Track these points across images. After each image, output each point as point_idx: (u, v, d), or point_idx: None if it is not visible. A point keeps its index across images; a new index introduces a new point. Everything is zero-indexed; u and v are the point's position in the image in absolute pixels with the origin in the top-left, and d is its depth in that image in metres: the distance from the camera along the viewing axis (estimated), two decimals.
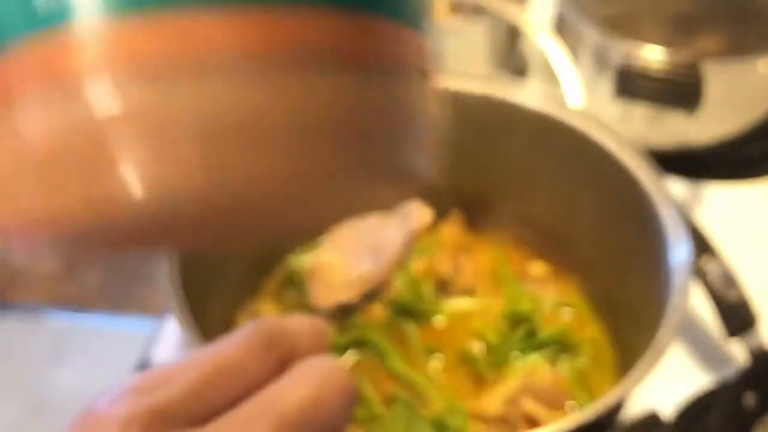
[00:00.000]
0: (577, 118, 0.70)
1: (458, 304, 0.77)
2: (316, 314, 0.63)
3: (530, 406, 0.65)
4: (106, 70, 0.20)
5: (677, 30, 1.01)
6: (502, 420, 0.66)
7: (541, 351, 0.72)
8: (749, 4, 1.04)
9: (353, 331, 0.72)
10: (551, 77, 1.11)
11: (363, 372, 0.70)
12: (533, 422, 0.65)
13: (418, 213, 0.61)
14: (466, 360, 0.72)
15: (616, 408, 0.58)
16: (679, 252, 0.61)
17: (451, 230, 0.81)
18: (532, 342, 0.72)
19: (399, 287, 0.78)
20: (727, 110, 1.01)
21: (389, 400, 0.68)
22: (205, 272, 0.67)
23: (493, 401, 0.66)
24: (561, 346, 0.72)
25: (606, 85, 0.98)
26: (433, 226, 0.83)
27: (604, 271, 0.74)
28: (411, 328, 0.74)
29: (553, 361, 0.72)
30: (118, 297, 2.42)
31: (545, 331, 0.72)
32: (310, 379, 0.27)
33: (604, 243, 0.74)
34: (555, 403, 0.67)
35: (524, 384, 0.67)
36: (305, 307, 0.76)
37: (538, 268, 0.80)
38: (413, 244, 0.62)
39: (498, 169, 0.79)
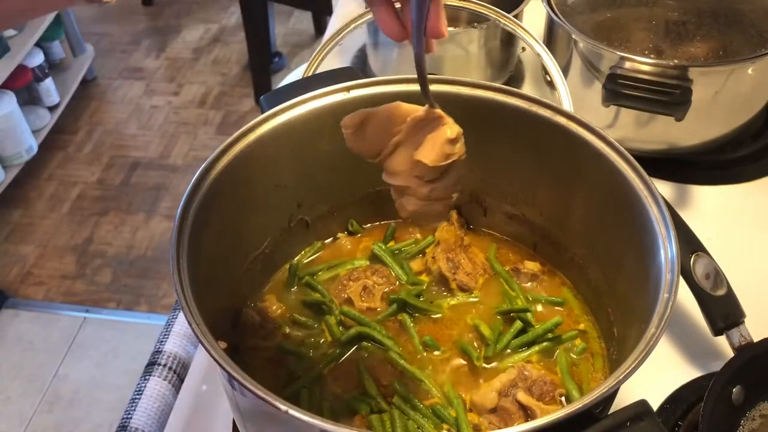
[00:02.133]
0: (570, 122, 0.71)
1: (456, 300, 0.79)
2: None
3: (524, 398, 0.67)
4: None
5: (666, 37, 1.03)
6: (498, 412, 0.67)
7: (534, 345, 0.74)
8: (736, 12, 1.06)
9: (355, 327, 0.74)
10: (545, 82, 1.13)
11: (364, 366, 0.71)
12: (528, 413, 0.67)
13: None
14: (463, 354, 0.74)
15: (608, 399, 0.59)
16: (668, 251, 0.62)
17: (449, 230, 0.83)
18: (526, 337, 0.74)
19: (400, 285, 0.80)
20: (715, 115, 1.03)
21: (389, 394, 0.69)
22: (214, 272, 0.68)
23: (488, 394, 0.68)
24: (554, 340, 0.74)
25: (596, 91, 1.00)
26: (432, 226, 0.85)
27: (596, 268, 0.76)
28: (411, 324, 0.76)
29: (546, 355, 0.74)
30: (128, 295, 2.43)
31: (539, 327, 0.74)
32: None
33: (595, 242, 0.75)
34: (548, 396, 0.68)
35: (518, 377, 0.68)
36: (306, 304, 0.78)
37: (532, 265, 0.81)
38: None
39: (494, 171, 0.81)
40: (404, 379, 0.70)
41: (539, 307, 0.78)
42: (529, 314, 0.75)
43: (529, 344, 0.74)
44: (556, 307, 0.78)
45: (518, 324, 0.75)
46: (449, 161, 0.60)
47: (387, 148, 0.62)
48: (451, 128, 0.60)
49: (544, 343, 0.74)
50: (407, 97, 0.76)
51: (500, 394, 0.67)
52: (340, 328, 0.75)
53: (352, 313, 0.75)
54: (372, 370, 0.71)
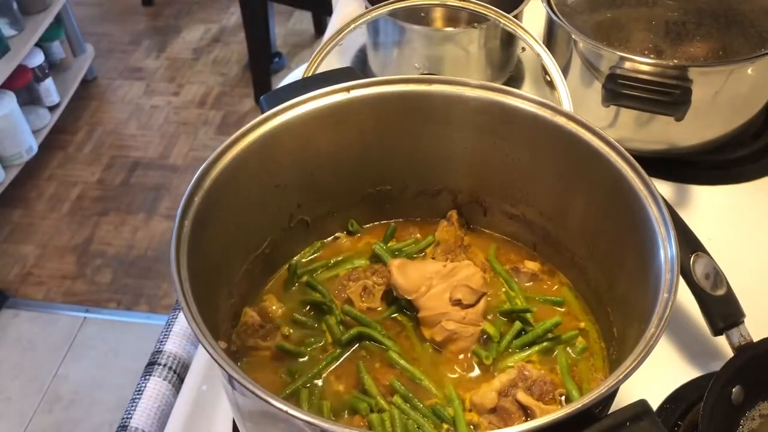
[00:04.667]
0: (570, 122, 0.71)
1: None
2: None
3: (524, 398, 0.67)
4: None
5: (666, 37, 1.03)
6: (498, 412, 0.67)
7: (534, 345, 0.74)
8: (736, 12, 1.06)
9: (357, 327, 0.74)
10: (545, 83, 1.13)
11: (363, 366, 0.71)
12: (527, 413, 0.67)
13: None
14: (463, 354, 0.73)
15: (608, 399, 0.59)
16: (668, 251, 0.62)
17: (449, 230, 0.83)
18: (526, 337, 0.74)
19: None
20: (715, 115, 1.03)
21: (389, 393, 0.69)
22: (214, 272, 0.68)
23: (488, 394, 0.67)
24: (554, 340, 0.74)
25: (596, 91, 1.00)
26: (433, 226, 0.85)
27: (596, 268, 0.76)
28: (410, 324, 0.76)
29: (546, 354, 0.74)
30: (128, 295, 2.43)
31: (538, 326, 0.74)
32: None
33: (595, 241, 0.75)
34: (547, 396, 0.68)
35: (518, 377, 0.68)
36: (306, 304, 0.78)
37: (532, 265, 0.81)
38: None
39: (494, 171, 0.81)
40: (404, 379, 0.70)
41: (539, 307, 0.78)
42: (529, 315, 0.75)
43: (529, 344, 0.74)
44: (556, 307, 0.78)
45: (518, 324, 0.75)
46: (484, 290, 0.75)
47: (423, 287, 0.74)
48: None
49: (544, 343, 0.74)
50: (407, 98, 0.76)
51: (500, 394, 0.67)
52: (341, 327, 0.75)
53: (354, 312, 0.75)
54: (372, 370, 0.71)
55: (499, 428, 0.66)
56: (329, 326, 0.75)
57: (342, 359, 0.73)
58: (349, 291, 0.77)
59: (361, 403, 0.68)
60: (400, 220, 0.87)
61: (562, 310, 0.78)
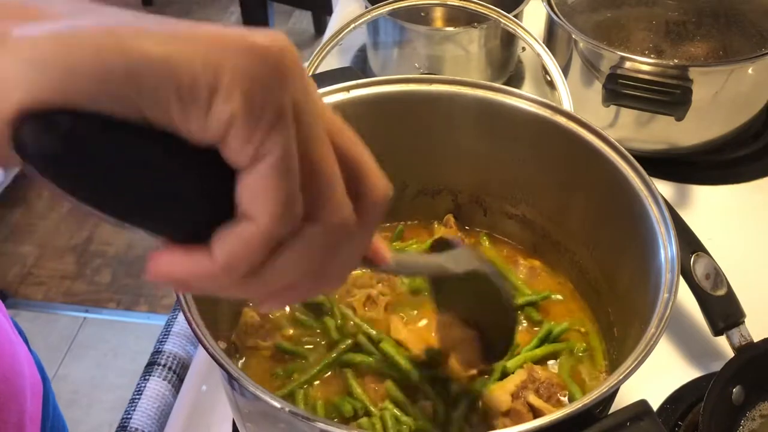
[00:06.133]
0: (570, 121, 0.71)
1: None
2: None
3: (535, 400, 0.66)
4: None
5: (666, 37, 1.03)
6: (511, 414, 0.66)
7: (537, 347, 0.73)
8: (736, 12, 1.06)
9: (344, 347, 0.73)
10: (545, 82, 1.13)
11: (352, 373, 0.70)
12: (536, 413, 0.66)
13: None
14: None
15: (608, 399, 0.59)
16: (668, 251, 0.62)
17: (450, 232, 0.83)
18: (533, 343, 0.73)
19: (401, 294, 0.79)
20: (715, 115, 1.03)
21: (380, 399, 0.68)
22: None
23: (502, 396, 0.67)
24: (556, 342, 0.74)
25: (596, 91, 1.00)
26: (431, 227, 0.85)
27: (596, 268, 0.76)
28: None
29: (548, 356, 0.73)
30: (128, 295, 2.43)
31: (540, 329, 0.74)
32: None
33: (595, 242, 0.75)
34: (554, 398, 0.68)
35: (528, 379, 0.68)
36: (306, 304, 0.78)
37: (532, 265, 0.81)
38: None
39: (494, 171, 0.81)
40: (397, 381, 0.69)
41: (540, 308, 0.78)
42: (531, 316, 0.75)
43: (533, 346, 0.73)
44: (556, 307, 0.78)
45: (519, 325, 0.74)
46: None
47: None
48: None
49: (546, 345, 0.73)
50: (407, 98, 0.76)
51: (512, 396, 0.67)
52: (339, 333, 0.74)
53: (351, 316, 0.74)
54: (364, 373, 0.70)
55: None
56: (327, 329, 0.74)
57: (339, 361, 0.72)
58: (353, 299, 0.76)
59: (347, 405, 0.67)
60: (401, 223, 0.86)
61: (563, 310, 0.78)
